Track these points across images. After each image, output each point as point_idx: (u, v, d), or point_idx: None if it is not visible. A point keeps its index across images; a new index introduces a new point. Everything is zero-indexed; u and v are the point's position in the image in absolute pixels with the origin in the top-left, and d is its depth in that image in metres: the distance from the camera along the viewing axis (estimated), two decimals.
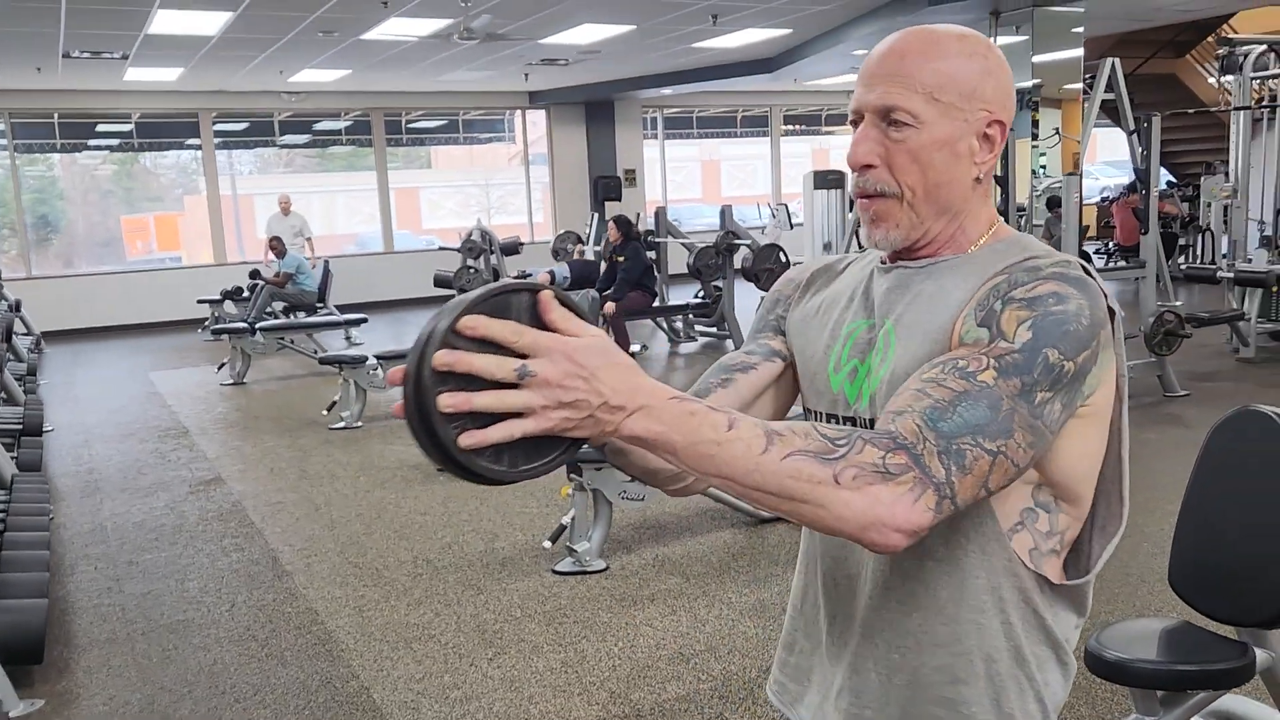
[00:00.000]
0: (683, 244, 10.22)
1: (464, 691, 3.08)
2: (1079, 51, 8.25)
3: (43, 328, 11.37)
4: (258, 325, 8.78)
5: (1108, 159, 18.16)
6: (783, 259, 8.82)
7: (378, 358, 6.78)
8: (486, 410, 0.84)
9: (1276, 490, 2.09)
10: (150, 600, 3.92)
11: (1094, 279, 1.03)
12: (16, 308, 10.42)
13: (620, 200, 14.56)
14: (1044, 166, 7.62)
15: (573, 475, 3.99)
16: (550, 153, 15.35)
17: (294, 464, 5.89)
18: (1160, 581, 3.44)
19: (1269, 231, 7.68)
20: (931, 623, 1.07)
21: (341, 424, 6.69)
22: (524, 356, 0.85)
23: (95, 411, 7.69)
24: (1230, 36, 7.66)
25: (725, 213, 9.55)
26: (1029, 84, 7.69)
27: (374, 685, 3.15)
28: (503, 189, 16.60)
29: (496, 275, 9.61)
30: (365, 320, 9.93)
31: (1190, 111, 11.66)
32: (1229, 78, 8.13)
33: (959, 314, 1.03)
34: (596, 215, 12.49)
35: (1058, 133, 7.71)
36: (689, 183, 19.36)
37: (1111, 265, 11.00)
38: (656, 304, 9.37)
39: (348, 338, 10.31)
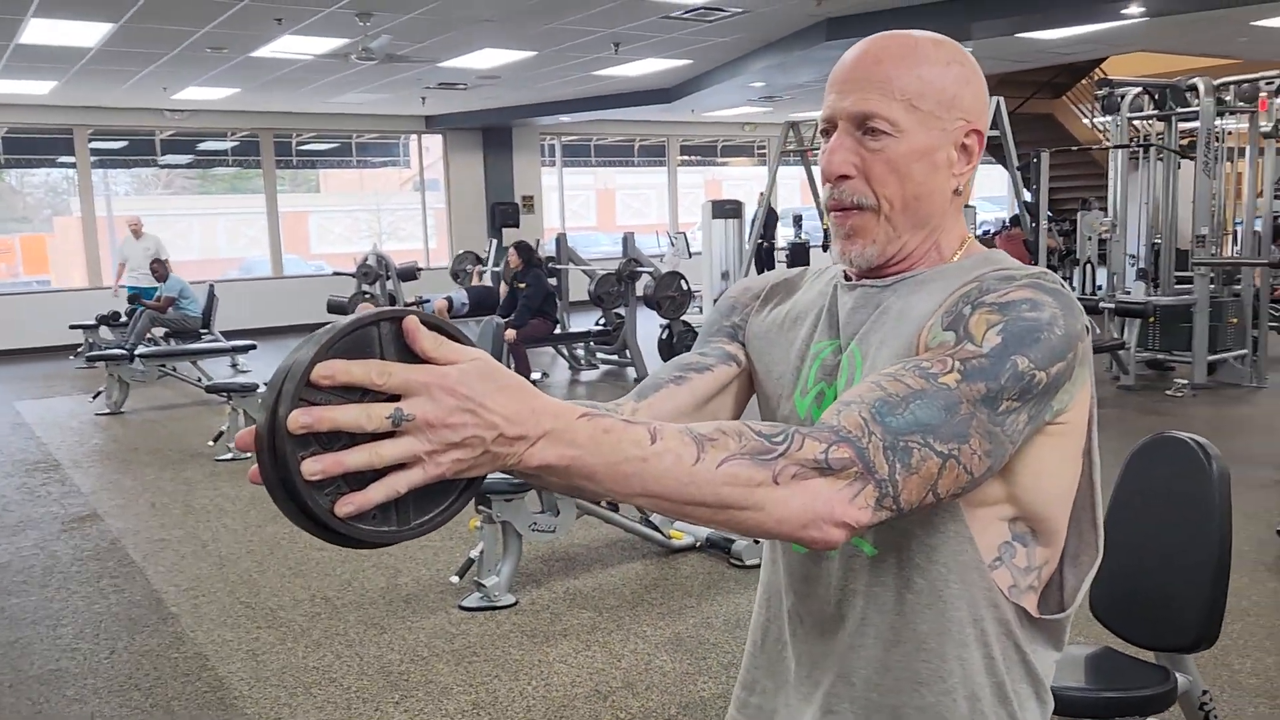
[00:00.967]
0: (584, 271, 10.18)
1: None
2: None
3: None
4: (137, 352, 8.33)
5: (985, 195, 18.93)
6: (684, 286, 8.85)
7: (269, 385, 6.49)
8: (362, 469, 0.70)
9: (1192, 516, 2.13)
10: (18, 649, 3.61)
11: (1069, 292, 0.99)
12: None
13: (518, 227, 14.46)
14: None
15: (481, 507, 3.85)
16: (446, 178, 15.14)
17: (178, 498, 5.57)
18: (1082, 606, 3.49)
19: (1144, 264, 8.06)
20: (913, 659, 1.01)
21: (229, 455, 6.38)
22: (396, 398, 0.71)
23: None
24: (1110, 78, 8.04)
25: (628, 240, 9.55)
26: None
27: None
28: (395, 214, 16.30)
29: (393, 300, 9.37)
30: (254, 347, 9.55)
31: (1074, 149, 12.23)
32: (1107, 117, 8.54)
33: (926, 324, 0.98)
34: (495, 241, 12.36)
35: None
36: (585, 211, 19.39)
37: None
38: (558, 331, 9.28)
39: (234, 365, 9.89)
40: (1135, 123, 8.25)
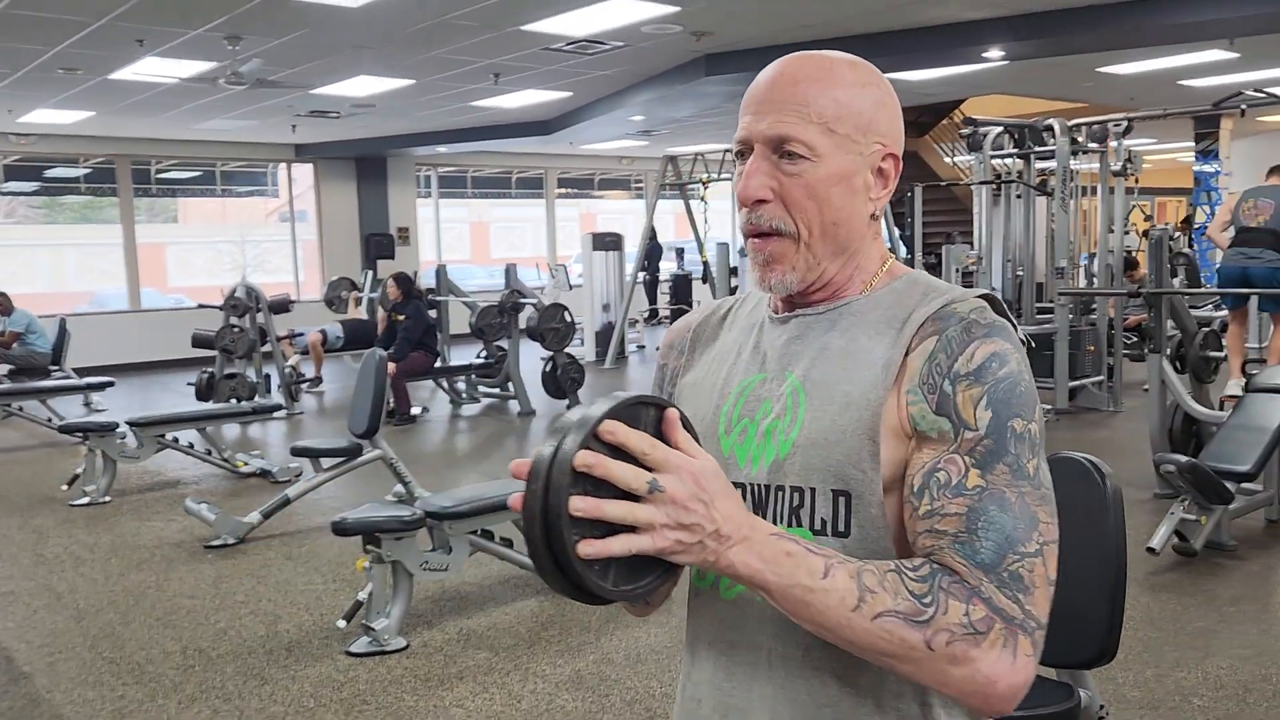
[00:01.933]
0: (465, 303, 10.01)
1: None
2: None
3: None
4: None
5: None
6: (568, 319, 8.80)
7: (130, 425, 6.11)
8: (614, 520, 0.82)
9: (1088, 533, 2.19)
10: None
11: (1006, 314, 1.00)
12: None
13: (394, 258, 14.16)
14: None
15: (370, 547, 3.69)
16: (318, 208, 14.70)
17: (28, 547, 5.15)
18: None
19: (1008, 295, 8.44)
20: (851, 715, 0.97)
21: (86, 500, 5.95)
22: (650, 470, 0.84)
23: None
24: (974, 118, 8.43)
25: (510, 271, 9.46)
26: None
27: None
28: (261, 245, 15.74)
29: (264, 334, 8.99)
30: (112, 384, 9.01)
31: (943, 184, 12.77)
32: (969, 156, 8.94)
33: (888, 384, 0.96)
34: (370, 273, 12.06)
35: None
36: (458, 243, 19.16)
37: None
38: (439, 364, 9.08)
39: (88, 403, 9.29)
40: (994, 161, 8.66)
